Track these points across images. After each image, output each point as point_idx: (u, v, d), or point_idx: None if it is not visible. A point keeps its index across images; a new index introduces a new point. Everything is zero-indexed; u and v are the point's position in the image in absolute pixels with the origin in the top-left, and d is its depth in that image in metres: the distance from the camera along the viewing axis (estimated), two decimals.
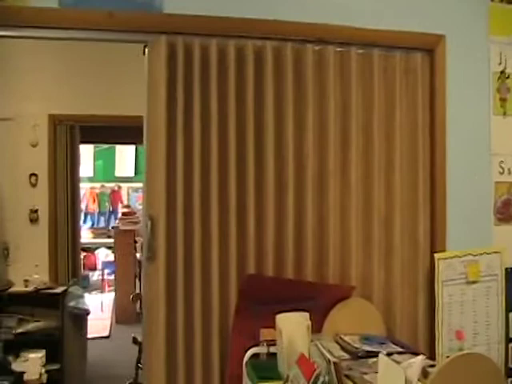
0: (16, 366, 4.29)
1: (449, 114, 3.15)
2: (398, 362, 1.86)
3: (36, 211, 5.59)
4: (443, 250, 3.09)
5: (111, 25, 2.71)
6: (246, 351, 2.56)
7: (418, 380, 1.80)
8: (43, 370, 4.72)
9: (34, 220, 5.58)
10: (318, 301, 2.69)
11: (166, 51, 2.75)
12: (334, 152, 2.95)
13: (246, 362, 2.52)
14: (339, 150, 2.98)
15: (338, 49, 2.97)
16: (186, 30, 2.78)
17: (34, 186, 5.58)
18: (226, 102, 2.84)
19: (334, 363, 1.98)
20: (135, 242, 8.13)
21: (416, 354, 2.22)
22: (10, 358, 4.51)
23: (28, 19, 2.66)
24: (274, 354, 2.47)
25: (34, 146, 5.57)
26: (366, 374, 2.15)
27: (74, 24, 2.69)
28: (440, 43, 3.11)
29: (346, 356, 2.39)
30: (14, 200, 5.52)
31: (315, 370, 1.95)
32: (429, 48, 3.13)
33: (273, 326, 2.44)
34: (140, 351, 4.68)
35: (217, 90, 2.82)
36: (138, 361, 4.87)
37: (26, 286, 5.29)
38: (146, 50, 2.81)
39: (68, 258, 5.87)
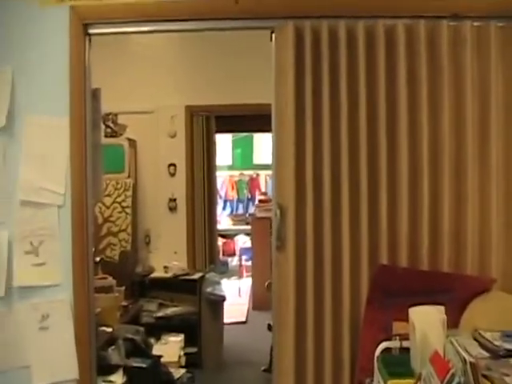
0: (156, 349, 4.46)
1: None
2: None
3: (175, 200, 5.78)
4: None
5: (237, 13, 2.70)
6: (377, 344, 2.46)
7: None
8: (182, 353, 4.87)
9: (172, 208, 5.78)
10: (454, 294, 2.54)
11: (294, 36, 2.70)
12: (472, 135, 2.75)
13: (378, 357, 2.43)
14: (477, 132, 2.78)
15: (476, 23, 2.75)
16: (313, 14, 2.71)
17: (172, 175, 5.78)
18: (356, 86, 2.74)
19: (471, 363, 1.85)
20: (271, 229, 8.17)
21: None
22: (152, 341, 4.70)
23: (158, 13, 2.71)
24: (407, 349, 2.35)
25: (172, 136, 5.76)
26: (507, 375, 1.98)
27: (201, 15, 2.71)
28: None
29: (485, 355, 2.22)
30: (154, 189, 5.75)
31: (450, 370, 1.82)
32: None
33: (405, 318, 2.33)
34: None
35: (346, 73, 2.73)
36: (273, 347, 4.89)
37: (166, 272, 5.51)
38: (273, 36, 2.77)
39: (205, 245, 6.03)
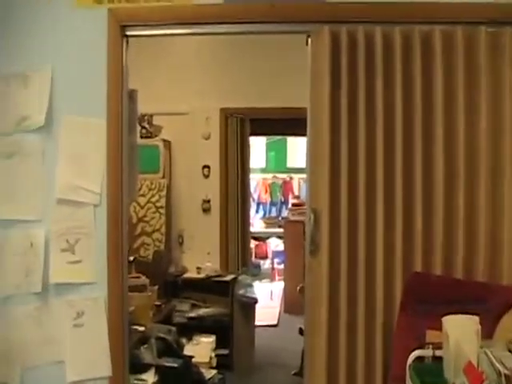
0: (188, 349, 4.48)
1: None
2: None
3: (208, 201, 5.81)
4: None
5: (273, 16, 2.71)
6: (410, 352, 2.44)
7: None
8: (213, 354, 4.89)
9: (206, 210, 5.81)
10: (489, 304, 2.50)
11: (330, 41, 2.70)
12: (509, 143, 2.70)
13: (410, 365, 2.40)
14: None
15: None
16: (349, 19, 2.71)
17: (206, 177, 5.81)
18: (392, 91, 2.73)
19: (506, 375, 1.82)
20: (304, 233, 8.15)
21: None
22: (184, 341, 4.73)
23: (194, 16, 2.74)
24: (440, 358, 2.32)
25: (206, 138, 5.79)
26: None
27: (237, 18, 2.73)
28: None
29: None
30: (188, 190, 5.78)
31: (484, 381, 1.80)
32: None
33: (439, 327, 2.30)
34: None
35: (382, 78, 2.72)
36: (304, 351, 4.88)
37: (199, 273, 5.53)
38: (309, 40, 2.77)
39: (238, 247, 6.03)
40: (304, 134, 2.86)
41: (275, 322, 7.36)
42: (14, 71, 2.79)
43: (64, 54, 2.78)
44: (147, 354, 3.81)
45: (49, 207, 2.76)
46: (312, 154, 2.83)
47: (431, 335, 2.43)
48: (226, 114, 5.83)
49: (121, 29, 2.77)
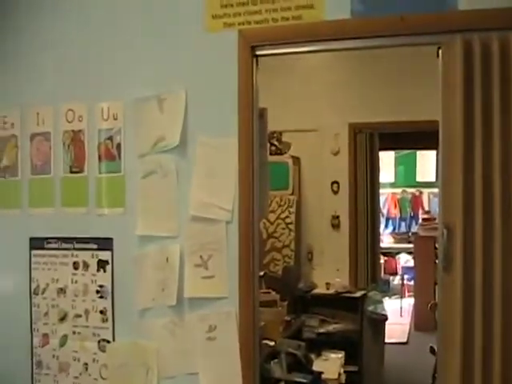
0: (316, 365, 4.47)
1: None
2: None
3: (337, 217, 5.80)
4: None
5: (403, 29, 2.66)
6: None
7: None
8: (342, 371, 4.84)
9: (335, 226, 5.80)
10: None
11: (462, 50, 2.61)
12: None
13: None
14: None
15: None
16: (482, 26, 2.61)
17: (335, 192, 5.80)
18: None
19: None
20: (435, 248, 7.93)
21: None
22: (312, 357, 4.72)
23: (323, 33, 2.75)
24: None
25: (335, 154, 5.79)
26: None
27: (366, 32, 2.71)
28: None
29: None
30: (317, 206, 5.81)
31: None
32: None
33: None
34: (437, 361, 4.53)
35: None
36: (435, 371, 4.72)
37: (328, 289, 5.52)
38: (440, 51, 2.70)
39: (368, 263, 5.96)
40: (434, 148, 2.78)
41: (405, 340, 7.21)
42: (150, 95, 2.93)
43: (196, 76, 2.88)
44: (277, 369, 3.85)
45: (183, 224, 2.86)
46: (444, 167, 2.74)
47: None
48: (355, 130, 5.80)
49: (251, 49, 2.83)
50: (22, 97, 3.23)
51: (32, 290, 3.19)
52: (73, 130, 3.10)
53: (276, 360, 3.90)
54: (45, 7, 3.18)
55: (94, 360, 3.06)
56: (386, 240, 10.94)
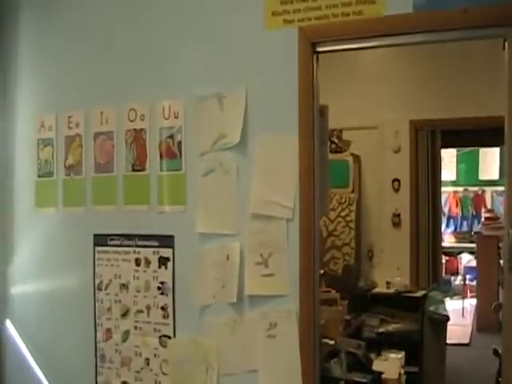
0: (376, 365, 4.42)
1: None
2: None
3: (398, 215, 5.74)
4: None
5: (465, 22, 2.58)
6: None
7: None
8: (402, 371, 4.78)
9: (396, 224, 5.73)
10: None
11: None
12: None
13: None
14: None
15: None
16: None
17: (396, 190, 5.73)
18: None
19: None
20: (499, 248, 7.74)
21: None
22: (372, 356, 4.67)
23: (384, 28, 2.70)
24: None
25: (395, 152, 5.72)
26: None
27: (427, 27, 2.64)
28: None
29: None
30: (377, 204, 5.76)
31: None
32: None
33: None
34: (501, 364, 4.42)
35: None
36: (499, 374, 4.60)
37: (388, 288, 5.46)
38: (506, 44, 2.62)
39: (429, 262, 5.87)
40: (498, 145, 2.70)
41: (467, 341, 7.06)
42: (211, 93, 2.94)
43: (256, 73, 2.88)
44: (337, 368, 3.82)
45: (244, 222, 2.86)
46: (511, 165, 2.66)
47: None
48: (416, 127, 5.71)
49: (311, 46, 2.81)
50: (86, 97, 3.31)
51: (96, 286, 3.26)
52: (135, 129, 3.15)
53: (336, 359, 3.87)
54: (106, 8, 3.25)
55: (155, 355, 3.10)
56: (448, 239, 10.74)
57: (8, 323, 3.54)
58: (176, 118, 3.05)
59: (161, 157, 3.09)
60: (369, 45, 2.87)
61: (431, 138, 5.85)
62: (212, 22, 2.98)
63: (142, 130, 3.14)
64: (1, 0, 3.55)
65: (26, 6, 3.51)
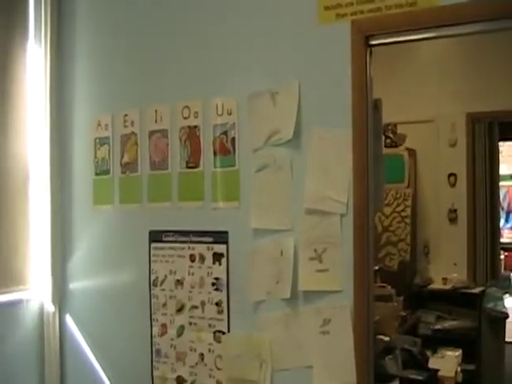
0: (432, 362, 4.36)
1: None
2: None
3: (455, 211, 5.64)
4: None
5: None
6: None
7: None
8: (459, 369, 4.70)
9: (452, 219, 5.64)
10: None
11: None
12: None
13: None
14: None
15: None
16: None
17: (452, 185, 5.63)
18: None
19: None
20: None
21: None
22: (428, 353, 4.61)
23: (439, 18, 2.64)
24: None
25: (452, 145, 5.63)
26: None
27: (484, 16, 2.53)
28: None
29: None
30: (433, 200, 5.67)
31: None
32: None
33: None
34: None
35: None
36: None
37: (444, 284, 5.38)
38: None
39: (487, 258, 5.76)
40: None
41: None
42: (263, 89, 2.94)
43: (309, 68, 2.86)
44: (391, 365, 3.78)
45: (297, 217, 2.85)
46: None
47: None
48: (473, 119, 5.59)
49: (365, 39, 2.78)
50: (141, 96, 3.36)
51: (151, 282, 3.31)
52: (189, 126, 3.18)
53: (391, 356, 3.83)
54: (162, 8, 3.29)
55: (209, 350, 3.13)
56: (507, 234, 10.48)
57: (67, 318, 3.62)
58: (229, 114, 3.06)
59: (214, 153, 3.10)
60: (423, 36, 2.81)
61: (489, 130, 5.72)
62: (265, 19, 2.98)
63: (195, 127, 3.16)
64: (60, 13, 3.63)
65: (82, 8, 3.59)
